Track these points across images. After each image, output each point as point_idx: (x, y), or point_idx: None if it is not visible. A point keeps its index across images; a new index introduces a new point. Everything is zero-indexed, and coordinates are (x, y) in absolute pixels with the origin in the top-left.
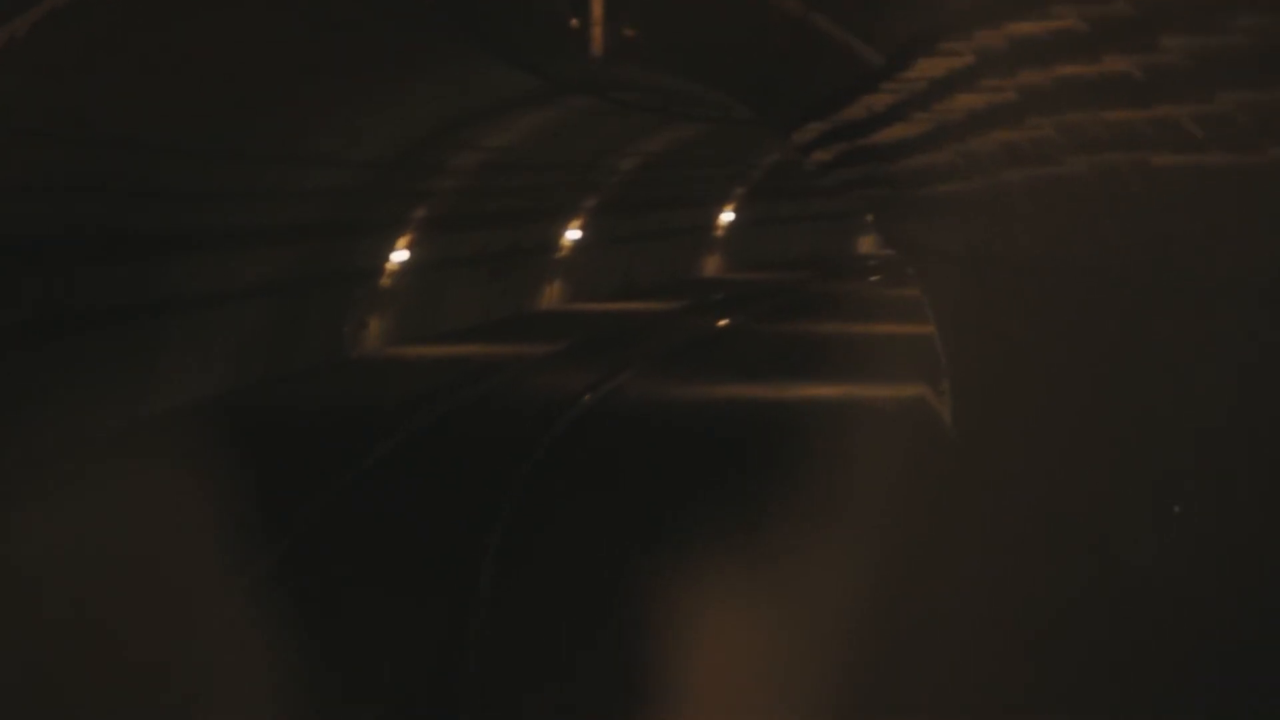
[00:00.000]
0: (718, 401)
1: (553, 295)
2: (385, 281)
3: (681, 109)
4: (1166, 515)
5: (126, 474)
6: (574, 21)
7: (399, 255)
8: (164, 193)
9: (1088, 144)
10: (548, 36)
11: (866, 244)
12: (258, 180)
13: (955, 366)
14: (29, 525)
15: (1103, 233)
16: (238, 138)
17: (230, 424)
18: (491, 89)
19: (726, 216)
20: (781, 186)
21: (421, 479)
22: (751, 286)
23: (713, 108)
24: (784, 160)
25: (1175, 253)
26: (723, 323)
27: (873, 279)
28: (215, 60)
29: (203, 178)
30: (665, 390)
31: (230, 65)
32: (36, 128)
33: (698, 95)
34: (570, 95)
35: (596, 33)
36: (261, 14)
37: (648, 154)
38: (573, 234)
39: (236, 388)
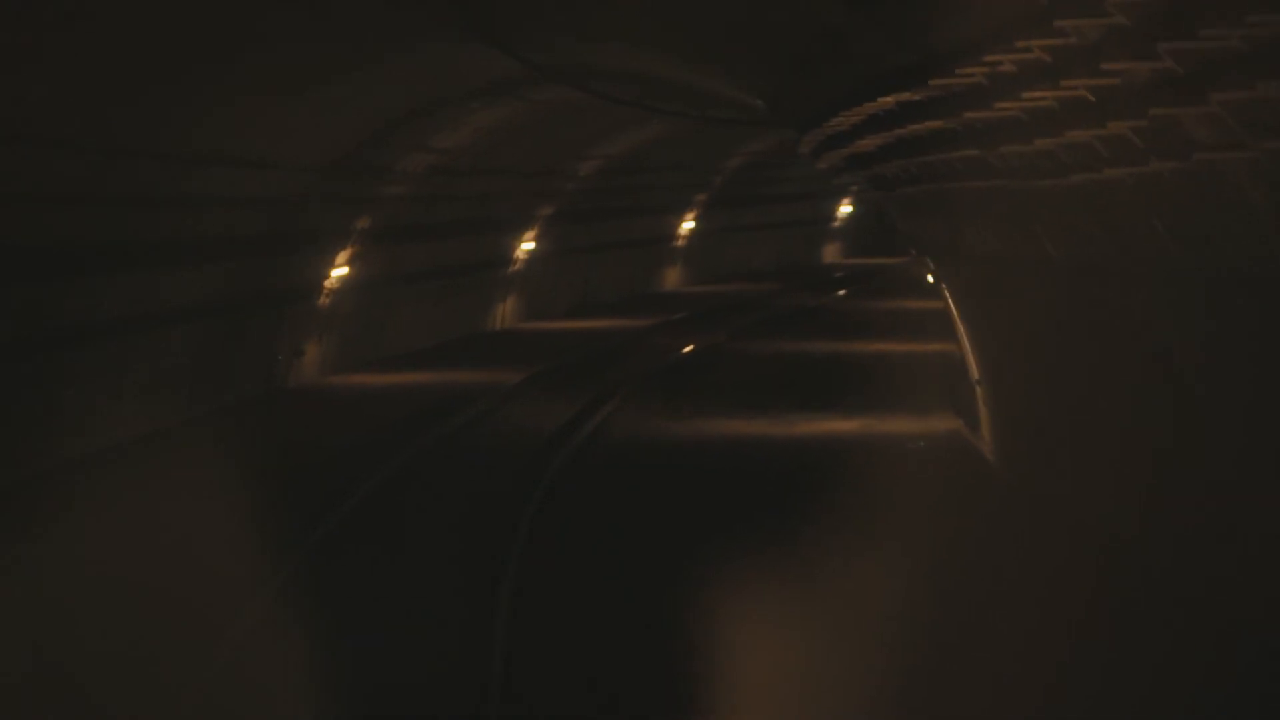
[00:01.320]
0: (721, 442)
1: (506, 313)
2: (324, 301)
3: (662, 102)
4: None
5: None
6: None
7: (339, 271)
8: (57, 200)
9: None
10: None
11: (831, 252)
12: (172, 185)
13: (995, 390)
14: None
15: (1161, 234)
16: (139, 133)
17: (135, 485)
18: (457, 76)
19: (687, 225)
20: (744, 193)
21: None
22: (718, 301)
23: (696, 101)
24: (748, 164)
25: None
26: (698, 343)
27: (840, 293)
28: (107, 37)
29: (102, 181)
30: (656, 428)
31: (127, 43)
32: None
33: (685, 86)
34: (545, 85)
35: None
36: None
37: (607, 158)
38: (527, 245)
39: (151, 432)
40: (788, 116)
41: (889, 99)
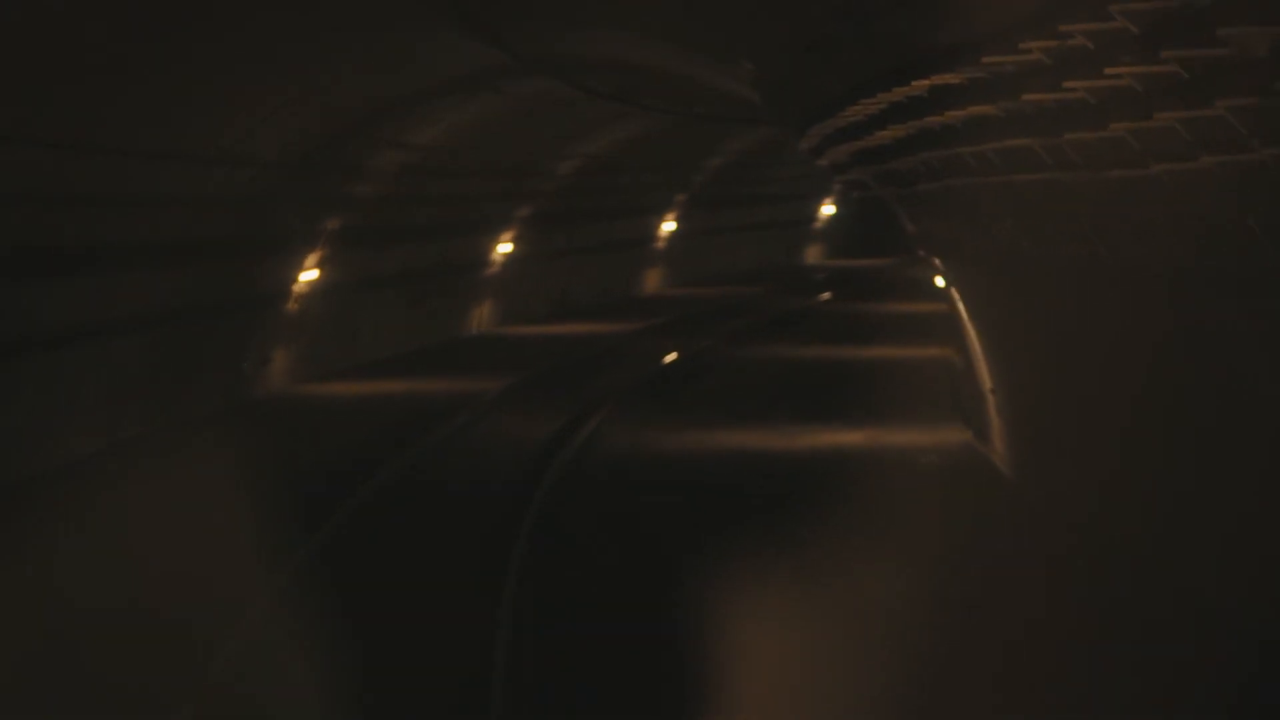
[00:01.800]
0: (719, 457)
1: (483, 318)
2: (293, 306)
3: (649, 97)
4: None
5: None
6: None
7: (308, 275)
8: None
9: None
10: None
11: (813, 254)
12: (130, 183)
13: (1017, 401)
14: None
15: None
16: (91, 126)
17: (80, 509)
18: (432, 66)
19: (668, 227)
20: (725, 194)
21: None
22: (702, 304)
23: (685, 95)
24: (729, 164)
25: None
26: (686, 349)
27: (826, 295)
28: (42, 20)
29: (56, 179)
30: (649, 443)
31: (66, 27)
32: None
33: (676, 79)
34: (526, 78)
35: None
36: None
37: (587, 156)
38: (505, 247)
39: (105, 448)
40: (789, 109)
41: (922, 83)
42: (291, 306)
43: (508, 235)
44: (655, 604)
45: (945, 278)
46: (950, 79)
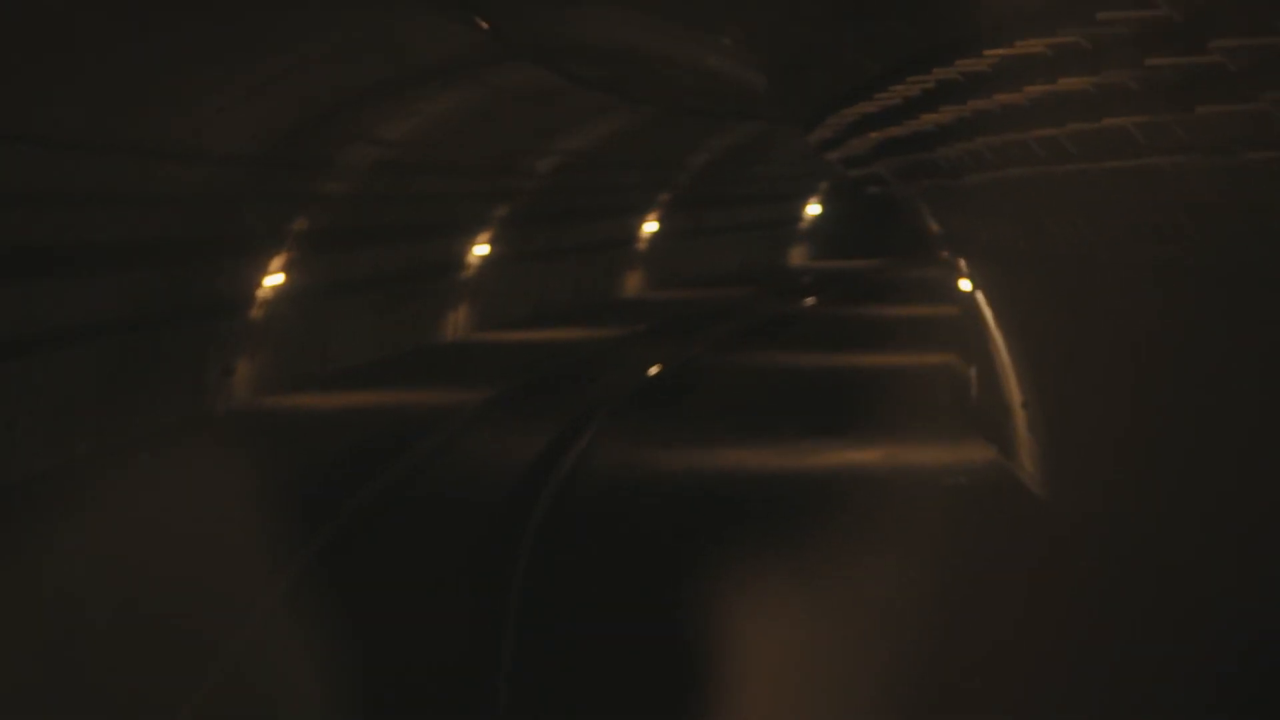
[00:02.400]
0: (723, 479)
1: (458, 323)
2: (257, 313)
3: (640, 87)
4: None
5: None
6: None
7: (274, 279)
8: None
9: None
10: None
11: (798, 255)
12: (78, 179)
13: (1043, 411)
14: None
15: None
16: (23, 116)
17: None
18: (408, 51)
19: (650, 227)
20: (709, 193)
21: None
22: (686, 308)
23: (681, 83)
24: (713, 162)
25: None
26: (675, 356)
27: (814, 299)
28: None
29: None
30: (645, 463)
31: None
32: None
33: (673, 64)
34: (508, 64)
35: None
36: None
37: (567, 153)
38: (481, 249)
39: (52, 468)
40: (803, 96)
41: (976, 61)
42: (256, 313)
43: (485, 236)
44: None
45: (971, 280)
46: (1006, 52)
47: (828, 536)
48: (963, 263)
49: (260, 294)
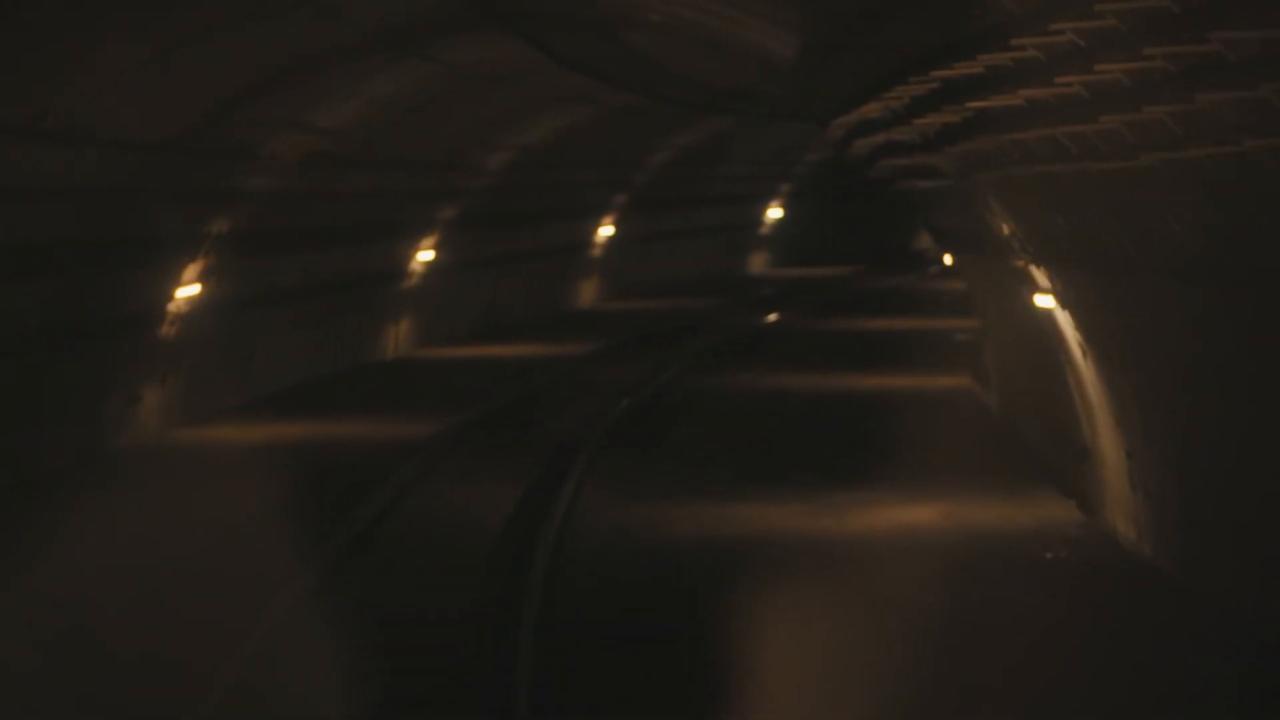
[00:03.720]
0: (747, 548)
1: (400, 338)
2: (168, 330)
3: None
4: None
5: None
6: None
7: (188, 290)
8: None
9: None
10: None
11: (759, 262)
12: None
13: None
14: None
15: None
16: None
17: None
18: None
19: (605, 231)
20: (668, 194)
21: None
22: (647, 322)
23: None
24: (674, 160)
25: None
26: (649, 379)
27: (782, 312)
28: None
29: None
30: (650, 522)
31: None
32: None
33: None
34: (468, 34)
35: None
36: None
37: (520, 149)
38: (426, 255)
39: None
40: (838, 73)
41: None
42: (166, 330)
43: (430, 241)
44: None
45: (1054, 294)
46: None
47: (922, 662)
48: (1036, 271)
49: (172, 308)
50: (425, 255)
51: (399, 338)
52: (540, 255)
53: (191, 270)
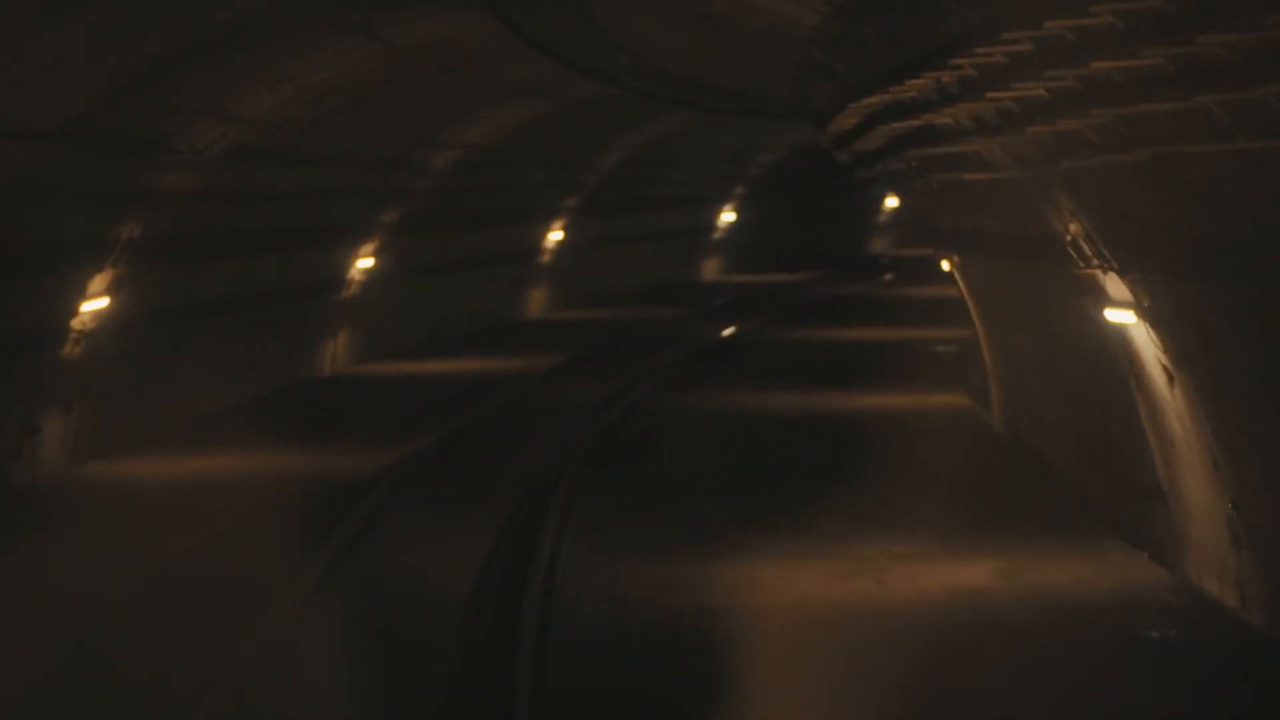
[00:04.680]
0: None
1: (338, 352)
2: (72, 350)
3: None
4: None
5: None
6: None
7: (95, 304)
8: None
9: None
10: None
11: (711, 268)
12: None
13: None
14: None
15: None
16: None
17: None
18: None
19: (555, 237)
20: (619, 197)
21: None
22: (603, 333)
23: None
24: (627, 160)
25: None
26: (614, 400)
27: (749, 322)
28: None
29: None
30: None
31: None
32: None
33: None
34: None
35: None
36: None
37: (467, 147)
38: (365, 262)
39: None
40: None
41: None
42: (71, 350)
43: (370, 246)
44: None
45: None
46: None
47: None
48: (1111, 280)
49: (76, 324)
50: (365, 262)
51: (337, 352)
52: (488, 262)
53: (99, 281)
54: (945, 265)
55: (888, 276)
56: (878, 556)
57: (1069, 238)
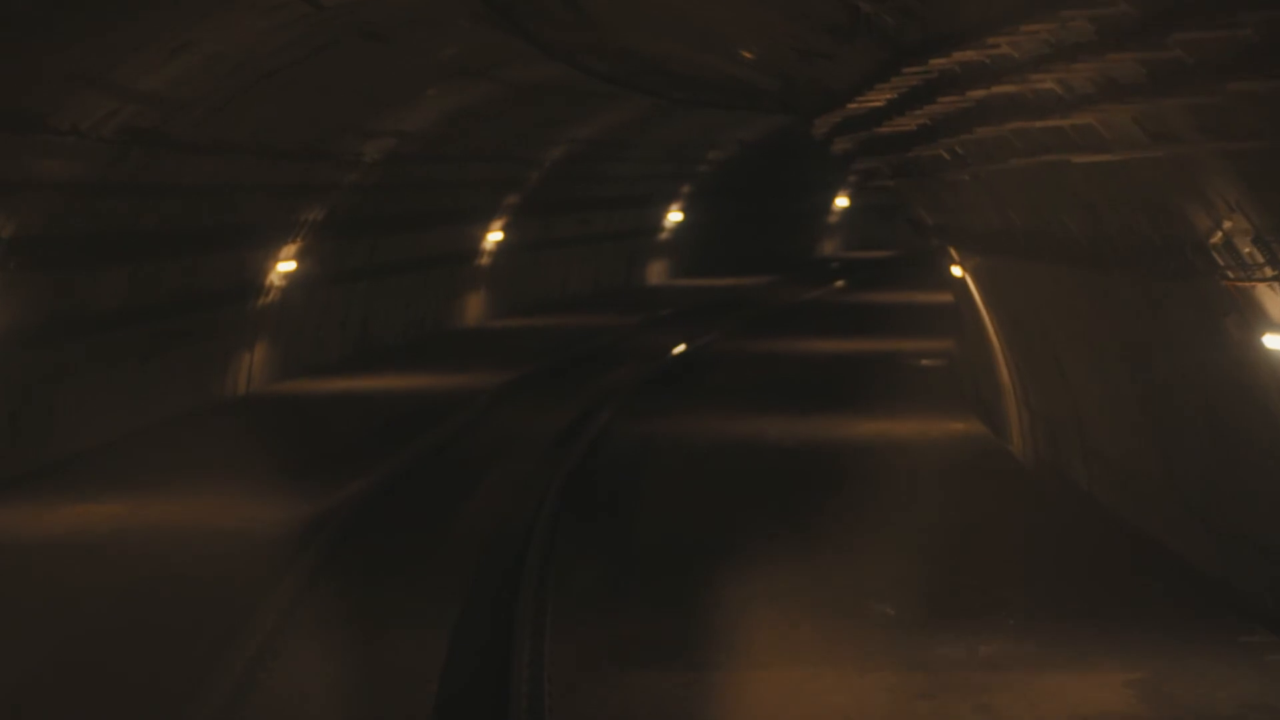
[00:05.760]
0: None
1: (254, 368)
2: None
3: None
4: None
5: None
6: None
7: None
8: None
9: None
10: None
11: (657, 272)
12: None
13: None
14: None
15: None
16: None
17: None
18: None
19: (494, 237)
20: (562, 195)
21: None
22: (550, 346)
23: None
24: (570, 156)
25: None
26: (573, 426)
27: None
28: None
29: None
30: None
31: None
32: None
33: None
34: None
35: None
36: None
37: (401, 135)
38: (286, 266)
39: None
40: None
41: None
42: None
43: (291, 248)
44: None
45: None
46: None
47: None
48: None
49: None
50: (285, 266)
51: (253, 369)
52: (423, 265)
53: None
54: (956, 270)
55: (839, 284)
56: (966, 662)
57: (1216, 238)
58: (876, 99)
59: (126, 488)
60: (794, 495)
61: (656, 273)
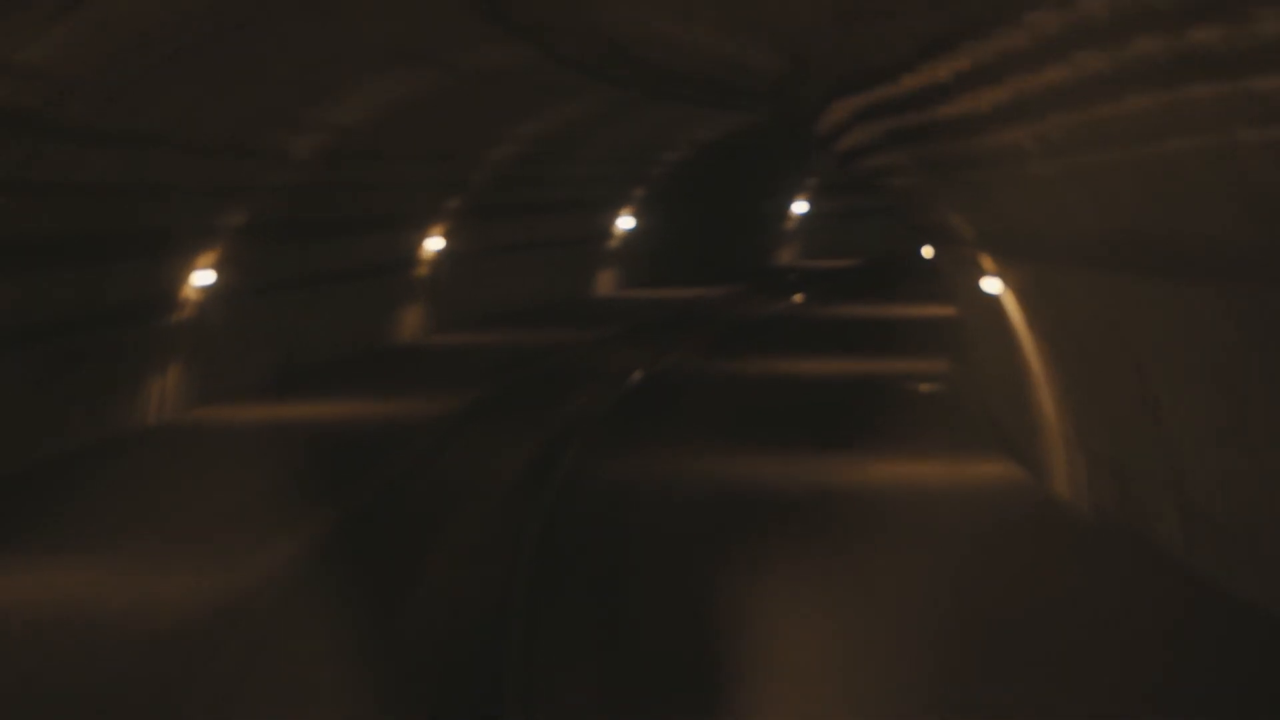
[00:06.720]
0: None
1: (167, 393)
2: None
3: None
4: None
5: None
6: None
7: None
8: None
9: None
10: None
11: (606, 282)
12: None
13: None
14: None
15: None
16: None
17: None
18: None
19: (434, 244)
20: (506, 198)
21: None
22: (496, 367)
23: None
24: (518, 156)
25: None
26: (533, 465)
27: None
28: None
29: None
30: None
31: None
32: None
33: None
34: None
35: None
36: None
37: (335, 129)
38: (204, 276)
39: None
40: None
41: None
42: None
43: (209, 257)
44: None
45: None
46: None
47: None
48: None
49: None
50: (203, 277)
51: (166, 394)
52: (357, 275)
53: None
54: (990, 283)
55: (797, 298)
56: None
57: None
58: (941, 71)
59: (19, 542)
60: (824, 576)
61: (607, 282)
